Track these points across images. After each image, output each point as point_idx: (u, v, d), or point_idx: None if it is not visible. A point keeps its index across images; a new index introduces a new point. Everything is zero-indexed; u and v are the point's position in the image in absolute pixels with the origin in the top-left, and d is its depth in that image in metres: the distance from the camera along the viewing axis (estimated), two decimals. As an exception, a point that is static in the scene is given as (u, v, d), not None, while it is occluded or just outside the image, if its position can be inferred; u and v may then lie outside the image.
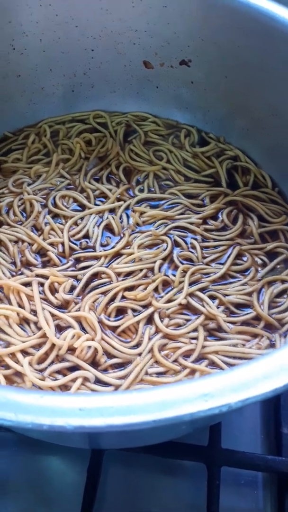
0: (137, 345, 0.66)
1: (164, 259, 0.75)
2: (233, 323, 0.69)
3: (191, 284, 0.72)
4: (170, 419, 0.32)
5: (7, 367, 0.63)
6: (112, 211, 0.82)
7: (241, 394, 0.33)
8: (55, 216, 0.81)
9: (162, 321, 0.68)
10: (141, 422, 0.32)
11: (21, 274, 0.73)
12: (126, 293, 0.70)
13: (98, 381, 0.63)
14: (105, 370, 0.64)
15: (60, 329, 0.67)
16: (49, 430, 0.32)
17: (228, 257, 0.76)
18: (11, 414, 0.33)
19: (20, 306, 0.69)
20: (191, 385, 0.35)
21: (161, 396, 0.35)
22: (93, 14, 0.85)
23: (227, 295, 0.72)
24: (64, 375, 0.63)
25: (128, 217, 0.82)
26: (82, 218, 0.81)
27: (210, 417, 0.33)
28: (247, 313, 0.70)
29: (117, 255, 0.76)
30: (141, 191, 0.86)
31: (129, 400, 0.35)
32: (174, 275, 0.73)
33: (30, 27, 0.84)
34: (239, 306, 0.71)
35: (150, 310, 0.69)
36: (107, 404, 0.35)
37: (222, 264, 0.75)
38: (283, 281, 0.73)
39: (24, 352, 0.65)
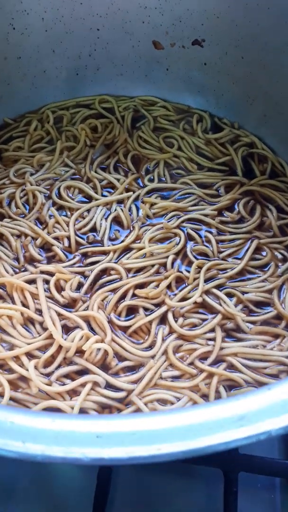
0: (150, 346, 0.62)
1: (177, 254, 0.71)
2: (253, 322, 0.64)
3: (206, 280, 0.68)
4: (200, 450, 0.28)
5: (11, 371, 0.59)
6: (120, 202, 0.77)
7: (284, 419, 0.29)
8: (60, 208, 0.76)
9: (176, 321, 0.64)
10: (168, 454, 0.28)
11: (25, 270, 0.68)
12: (137, 291, 0.66)
13: (109, 386, 0.59)
14: (116, 374, 0.60)
15: (67, 329, 0.63)
16: (62, 462, 0.28)
17: (246, 251, 0.71)
18: (18, 443, 0.28)
19: (24, 305, 0.64)
20: (223, 406, 0.31)
21: (188, 419, 0.31)
22: (100, -10, 0.79)
23: (245, 292, 0.67)
24: (73, 379, 0.59)
25: (137, 208, 0.77)
26: (88, 210, 0.76)
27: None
28: (268, 312, 0.65)
29: (127, 249, 0.72)
30: (151, 180, 0.81)
31: (152, 424, 0.30)
32: (188, 271, 0.68)
33: (32, 5, 0.78)
34: (259, 304, 0.66)
35: (163, 309, 0.65)
36: (128, 429, 0.30)
37: (240, 259, 0.71)
38: (305, 277, 0.69)
39: (29, 355, 0.60)
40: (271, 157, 0.83)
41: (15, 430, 0.30)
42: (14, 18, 0.79)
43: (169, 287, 0.67)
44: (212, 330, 0.63)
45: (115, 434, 0.30)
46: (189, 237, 0.73)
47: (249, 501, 0.70)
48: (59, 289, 0.67)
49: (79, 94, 0.92)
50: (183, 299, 0.66)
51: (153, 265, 0.69)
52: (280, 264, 0.70)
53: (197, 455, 0.28)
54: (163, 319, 0.64)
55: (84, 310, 0.65)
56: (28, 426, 0.30)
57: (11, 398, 0.57)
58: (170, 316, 0.64)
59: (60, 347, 0.60)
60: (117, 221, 0.75)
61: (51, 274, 0.67)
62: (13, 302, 0.64)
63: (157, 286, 0.67)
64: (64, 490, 0.69)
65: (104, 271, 0.69)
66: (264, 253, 0.71)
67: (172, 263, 0.69)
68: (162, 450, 0.28)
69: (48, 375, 0.59)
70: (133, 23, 0.83)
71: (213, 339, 0.62)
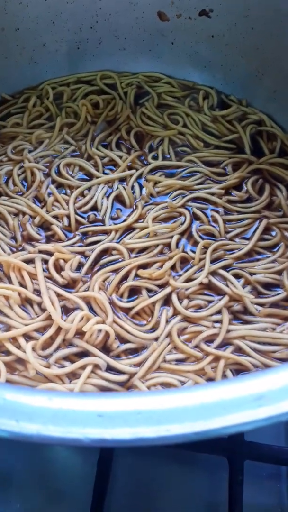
0: (153, 328, 0.59)
1: (182, 233, 0.68)
2: (261, 304, 0.61)
3: (213, 261, 0.64)
4: (215, 431, 0.25)
5: (8, 353, 0.56)
6: (122, 180, 0.74)
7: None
8: (59, 186, 0.73)
9: (181, 303, 0.61)
10: (178, 435, 0.25)
11: (23, 250, 0.65)
12: (140, 272, 0.63)
13: (110, 369, 0.56)
14: (117, 357, 0.57)
15: (67, 310, 0.60)
16: (60, 443, 0.25)
17: (255, 231, 0.68)
18: (12, 422, 0.25)
19: (22, 285, 0.61)
20: (239, 384, 0.28)
21: (200, 398, 0.28)
22: None
23: (254, 273, 0.64)
24: (72, 361, 0.56)
25: (140, 187, 0.73)
26: (89, 189, 0.72)
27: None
28: (277, 294, 0.62)
29: (129, 229, 0.68)
30: (155, 158, 0.77)
31: (160, 402, 0.28)
32: (194, 252, 0.65)
33: (31, -29, 0.75)
34: (268, 286, 0.63)
35: (167, 290, 0.62)
36: (133, 408, 0.27)
37: (248, 239, 0.67)
38: (315, 258, 0.65)
39: (27, 336, 0.58)
40: (281, 134, 0.79)
41: (8, 408, 0.27)
42: (12, -14, 0.75)
43: (173, 267, 0.64)
44: (219, 312, 0.60)
45: (118, 413, 0.27)
46: (195, 217, 0.70)
47: (254, 490, 0.67)
48: (59, 269, 0.64)
49: (80, 69, 0.88)
50: (188, 280, 0.63)
51: (156, 245, 0.66)
52: (290, 244, 0.67)
53: (211, 436, 0.25)
54: (167, 301, 0.61)
55: (85, 290, 0.62)
56: (23, 404, 0.28)
57: (7, 381, 0.54)
58: (174, 297, 0.61)
59: (59, 328, 0.57)
60: (119, 199, 0.72)
61: (50, 253, 0.64)
62: (10, 282, 0.61)
63: (161, 266, 0.64)
64: (63, 477, 0.67)
65: (106, 251, 0.66)
66: (273, 233, 0.68)
67: (177, 243, 0.66)
68: (172, 431, 0.25)
69: (46, 357, 0.56)
70: (137, -8, 0.79)
71: (220, 322, 0.59)
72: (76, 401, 0.27)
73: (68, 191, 0.72)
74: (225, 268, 0.64)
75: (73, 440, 0.25)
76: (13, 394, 0.28)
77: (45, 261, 0.64)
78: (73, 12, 0.81)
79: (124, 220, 0.69)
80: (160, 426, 0.26)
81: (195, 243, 0.67)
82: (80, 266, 0.64)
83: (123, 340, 0.58)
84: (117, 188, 0.72)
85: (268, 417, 0.25)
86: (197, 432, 0.25)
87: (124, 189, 0.72)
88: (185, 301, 0.61)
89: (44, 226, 0.69)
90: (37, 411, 0.27)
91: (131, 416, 0.26)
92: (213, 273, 0.64)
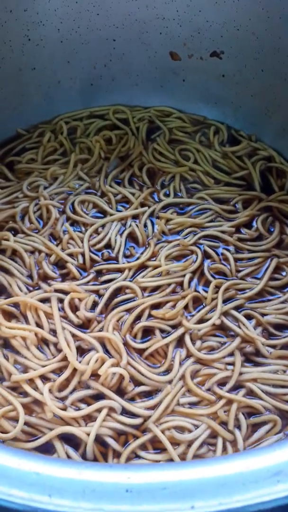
0: (167, 371, 0.60)
1: (194, 272, 0.69)
2: (273, 346, 0.63)
3: (225, 301, 0.66)
4: (236, 510, 0.26)
5: (26, 394, 0.58)
6: (135, 217, 0.76)
7: None
8: (74, 223, 0.75)
9: (194, 344, 0.62)
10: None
11: (39, 289, 0.67)
12: (154, 312, 0.64)
13: (125, 411, 0.57)
14: (132, 399, 0.58)
15: (82, 351, 0.61)
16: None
17: (265, 271, 0.69)
18: (45, 497, 0.27)
19: (38, 325, 0.63)
20: (257, 458, 0.29)
21: (221, 471, 0.29)
22: (117, 1, 0.77)
23: (265, 314, 0.65)
24: (88, 403, 0.58)
25: (153, 224, 0.75)
26: (103, 226, 0.74)
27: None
28: (288, 335, 0.64)
29: (142, 267, 0.70)
30: (167, 195, 0.79)
31: (183, 476, 0.29)
32: (206, 291, 0.67)
33: (47, 16, 0.77)
34: (279, 327, 0.65)
35: (181, 331, 0.63)
36: (159, 481, 0.28)
37: (259, 278, 0.69)
38: None
39: (44, 378, 0.59)
40: (290, 172, 0.81)
41: (41, 482, 0.28)
42: (29, 29, 0.77)
43: (186, 307, 0.65)
44: (231, 354, 0.61)
45: (145, 488, 0.28)
46: (206, 255, 0.71)
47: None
48: (74, 308, 0.65)
49: (93, 104, 0.90)
50: (201, 320, 0.64)
51: (169, 284, 0.67)
52: (300, 284, 0.69)
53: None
54: (180, 342, 0.63)
55: (99, 330, 0.63)
56: (55, 477, 0.29)
57: (25, 423, 0.55)
58: (187, 338, 0.62)
59: (75, 370, 0.59)
60: (132, 237, 0.74)
61: (65, 292, 0.66)
62: (27, 322, 0.63)
63: (174, 306, 0.65)
64: None
65: (119, 290, 0.68)
66: (283, 273, 0.70)
67: (189, 282, 0.68)
68: (196, 509, 0.26)
69: (62, 399, 0.57)
70: (150, 34, 0.81)
71: (232, 364, 0.61)
72: (104, 474, 0.29)
73: (83, 228, 0.74)
74: (237, 308, 0.66)
75: (104, 519, 0.26)
76: (46, 467, 0.29)
77: (61, 300, 0.65)
78: (88, 51, 0.83)
79: (137, 258, 0.71)
80: (185, 502, 0.27)
81: (207, 282, 0.68)
82: (94, 304, 0.66)
83: (137, 383, 0.59)
84: (130, 226, 0.74)
85: (287, 496, 0.27)
86: (220, 511, 0.26)
87: (137, 226, 0.74)
88: (198, 343, 0.62)
89: (60, 264, 0.70)
90: (68, 485, 0.28)
91: (157, 491, 0.28)
92: (225, 313, 0.65)
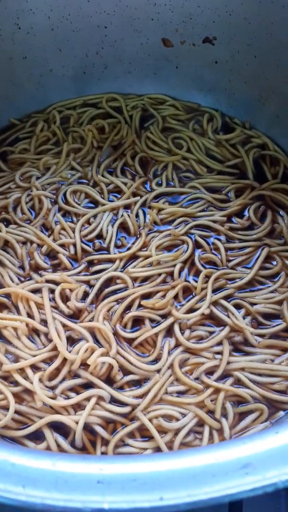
0: (156, 360, 0.61)
1: (184, 262, 0.69)
2: (261, 335, 0.63)
3: (214, 291, 0.66)
4: (204, 502, 0.27)
5: (16, 383, 0.59)
6: (127, 207, 0.76)
7: (290, 469, 0.27)
8: (66, 213, 0.75)
9: (182, 333, 0.63)
10: (171, 505, 0.27)
11: (30, 279, 0.68)
12: (144, 302, 0.65)
13: (113, 400, 0.58)
14: (121, 388, 0.59)
15: (72, 341, 0.62)
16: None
17: (256, 260, 0.69)
18: (18, 488, 0.28)
19: (29, 315, 0.64)
20: (227, 451, 0.30)
21: (191, 462, 0.30)
22: (107, -13, 0.76)
23: (254, 303, 0.65)
24: (77, 392, 0.59)
25: (145, 214, 0.75)
26: (95, 216, 0.74)
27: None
28: (277, 325, 0.64)
29: (133, 257, 0.70)
30: (159, 184, 0.79)
31: (154, 467, 0.30)
32: (196, 281, 0.67)
33: (37, 3, 0.76)
34: (268, 316, 0.65)
35: (170, 320, 0.63)
36: (129, 472, 0.29)
37: (249, 268, 0.69)
38: (316, 288, 0.67)
39: (34, 367, 0.60)
40: (284, 159, 0.80)
41: (15, 473, 0.29)
42: (19, 18, 0.76)
43: (176, 297, 0.66)
44: (220, 343, 0.62)
45: (116, 480, 0.29)
46: (197, 245, 0.71)
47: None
48: (65, 298, 0.66)
49: (86, 92, 0.90)
50: (190, 310, 0.65)
51: (159, 274, 0.68)
52: (290, 274, 0.69)
53: (201, 506, 0.27)
54: (169, 331, 0.63)
55: (90, 320, 0.64)
56: (28, 467, 0.30)
57: (15, 411, 0.57)
58: (176, 328, 0.63)
59: (65, 359, 0.59)
60: (123, 227, 0.74)
61: (57, 283, 0.66)
62: (18, 312, 0.64)
63: (164, 296, 0.65)
64: None
65: (110, 280, 0.68)
66: (274, 262, 0.70)
67: (180, 272, 0.68)
68: (165, 501, 0.27)
69: (52, 388, 0.58)
70: (142, 20, 0.80)
71: (220, 353, 0.61)
72: (77, 466, 0.30)
73: (75, 218, 0.74)
74: (227, 298, 0.66)
75: (75, 509, 0.27)
76: (20, 458, 0.30)
77: (52, 291, 0.66)
78: (79, 39, 0.82)
79: (129, 248, 0.71)
80: (154, 493, 0.28)
81: (197, 272, 0.68)
82: (85, 295, 0.66)
83: (126, 372, 0.60)
84: (122, 216, 0.74)
85: (254, 489, 0.27)
86: (188, 503, 0.27)
87: (129, 216, 0.74)
88: (187, 332, 0.63)
89: (51, 254, 0.71)
90: (41, 476, 0.29)
91: (127, 482, 0.28)
92: (215, 303, 0.65)
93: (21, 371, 0.59)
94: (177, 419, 0.56)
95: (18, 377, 0.59)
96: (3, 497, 0.27)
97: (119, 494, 0.28)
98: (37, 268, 0.69)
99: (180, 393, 0.59)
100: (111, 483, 0.29)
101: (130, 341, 0.63)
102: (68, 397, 0.58)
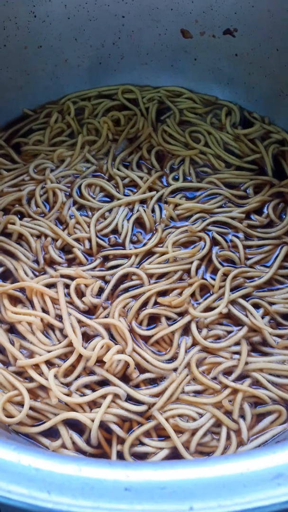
0: (172, 358, 0.60)
1: (201, 259, 0.68)
2: (280, 336, 0.62)
3: (232, 289, 0.65)
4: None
5: (31, 379, 0.58)
6: (143, 202, 0.74)
7: None
8: (81, 207, 0.74)
9: (200, 332, 0.61)
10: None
11: (45, 273, 0.67)
12: (160, 299, 0.63)
13: (129, 398, 0.57)
14: (137, 386, 0.58)
15: (87, 337, 0.61)
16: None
17: (275, 259, 0.68)
18: (44, 494, 0.27)
19: (44, 310, 0.63)
20: (258, 459, 0.29)
21: (221, 471, 0.29)
22: (126, -25, 0.74)
23: (273, 303, 0.64)
24: (93, 389, 0.58)
25: (161, 209, 0.74)
26: (110, 211, 0.73)
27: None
28: (296, 325, 0.63)
29: (149, 253, 0.69)
30: (176, 179, 0.77)
31: (183, 475, 0.29)
32: (214, 279, 0.66)
33: (54, -9, 0.74)
34: (287, 316, 0.64)
35: (187, 319, 0.62)
36: (158, 480, 0.28)
37: (268, 267, 0.68)
38: None
39: (49, 363, 0.59)
40: (304, 156, 0.79)
41: (41, 479, 0.28)
42: (35, 6, 0.75)
43: (193, 295, 0.65)
44: (238, 343, 0.61)
45: (144, 488, 0.28)
46: (215, 242, 0.70)
47: None
48: (80, 294, 0.65)
49: (101, 83, 0.88)
50: (208, 308, 0.63)
51: (176, 271, 0.67)
52: (310, 273, 0.67)
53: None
54: (186, 330, 0.62)
55: (105, 316, 0.63)
56: (55, 473, 0.29)
57: (30, 408, 0.56)
58: (193, 326, 0.62)
59: (80, 356, 0.59)
60: (139, 222, 0.73)
61: (72, 277, 0.65)
62: (33, 307, 0.63)
63: (180, 293, 0.64)
64: None
65: (126, 276, 0.67)
66: (293, 261, 0.68)
67: (197, 270, 0.67)
68: (195, 511, 0.26)
69: (68, 384, 0.58)
70: (160, 10, 0.78)
71: (238, 353, 0.60)
72: (103, 471, 0.29)
73: (90, 212, 0.73)
74: (245, 297, 0.65)
75: (102, 518, 0.26)
76: (45, 463, 0.29)
77: (67, 286, 0.65)
78: (96, 29, 0.80)
79: (144, 244, 0.70)
80: (184, 502, 0.27)
81: (215, 270, 0.67)
82: (100, 290, 0.65)
83: (143, 370, 0.59)
84: (138, 211, 0.73)
85: (287, 501, 0.26)
86: (220, 515, 0.26)
87: (145, 212, 0.72)
88: (204, 331, 0.62)
89: (66, 249, 0.70)
90: (67, 482, 0.28)
91: (156, 491, 0.28)
92: (233, 302, 0.64)
93: (36, 367, 0.59)
94: (194, 419, 0.55)
95: (32, 373, 0.58)
96: (28, 503, 0.26)
97: (147, 503, 0.27)
98: (51, 263, 0.68)
99: (197, 393, 0.58)
100: (139, 490, 0.28)
101: (146, 338, 0.62)
102: (83, 394, 0.57)
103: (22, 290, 0.64)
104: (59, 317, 0.62)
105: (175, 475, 0.29)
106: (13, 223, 0.70)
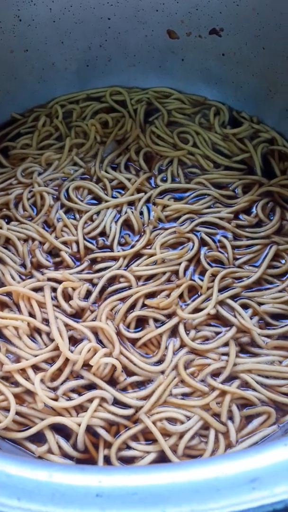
0: (160, 361, 0.59)
1: (190, 260, 0.67)
2: (269, 336, 0.61)
3: (221, 290, 0.64)
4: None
5: (17, 384, 0.58)
6: (131, 204, 0.74)
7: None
8: (68, 210, 0.73)
9: (188, 334, 0.61)
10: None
11: (32, 277, 0.66)
12: (148, 301, 0.63)
13: (116, 402, 0.57)
14: (124, 389, 0.58)
15: (74, 341, 0.61)
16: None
17: (264, 258, 0.67)
18: (13, 501, 0.26)
19: (31, 314, 0.62)
20: (234, 463, 0.28)
21: (195, 475, 0.28)
22: (110, -24, 0.74)
23: (262, 303, 0.63)
24: (80, 393, 0.57)
25: (149, 211, 0.73)
26: (98, 213, 0.72)
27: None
28: (285, 325, 0.62)
29: (137, 255, 0.68)
30: (164, 180, 0.77)
31: (156, 480, 0.28)
32: (202, 280, 0.65)
33: (38, -6, 0.74)
34: (276, 316, 0.63)
35: (175, 320, 0.62)
36: (130, 486, 0.28)
37: (257, 267, 0.67)
38: None
39: (36, 368, 0.59)
40: (293, 155, 0.78)
41: (11, 485, 0.27)
42: (20, 9, 0.75)
43: (181, 296, 0.64)
44: (226, 344, 0.60)
45: (116, 493, 0.27)
46: (203, 242, 0.69)
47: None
48: (67, 297, 0.64)
49: (89, 86, 0.88)
50: (196, 310, 0.63)
51: (164, 273, 0.66)
52: (300, 273, 0.66)
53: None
54: (174, 331, 0.62)
55: (92, 320, 0.62)
56: (25, 478, 0.28)
57: (16, 413, 0.55)
58: (181, 328, 0.61)
59: (67, 359, 0.58)
60: (127, 224, 0.72)
61: (59, 281, 0.65)
62: (20, 311, 0.62)
63: (168, 295, 0.64)
64: None
65: (114, 278, 0.66)
66: (283, 261, 0.68)
67: (185, 271, 0.66)
68: (166, 516, 0.25)
69: (54, 389, 0.57)
70: (146, 11, 0.78)
71: (227, 354, 0.59)
72: (75, 478, 0.28)
73: (77, 215, 0.73)
74: (233, 297, 0.64)
75: (71, 526, 0.26)
76: (16, 468, 0.28)
77: (54, 289, 0.64)
78: (82, 31, 0.80)
79: (133, 246, 0.69)
80: (156, 508, 0.26)
81: (203, 270, 0.66)
82: (88, 293, 0.65)
83: (130, 373, 0.58)
84: (126, 213, 0.72)
85: (261, 506, 0.25)
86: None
87: (133, 213, 0.72)
88: (192, 332, 0.61)
89: (53, 252, 0.69)
90: (38, 488, 0.27)
91: (128, 496, 0.27)
92: (221, 302, 0.63)
93: (22, 371, 0.58)
94: (182, 422, 0.55)
95: (19, 378, 0.57)
96: (-3, 510, 0.26)
97: (119, 509, 0.26)
98: (38, 266, 0.67)
99: (185, 395, 0.57)
100: (110, 496, 0.27)
101: (133, 341, 0.61)
102: (70, 399, 0.57)
103: (8, 294, 0.64)
104: (46, 321, 0.62)
105: (148, 480, 0.28)
106: (0, 227, 0.70)
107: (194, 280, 0.65)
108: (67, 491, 0.27)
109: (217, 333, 0.61)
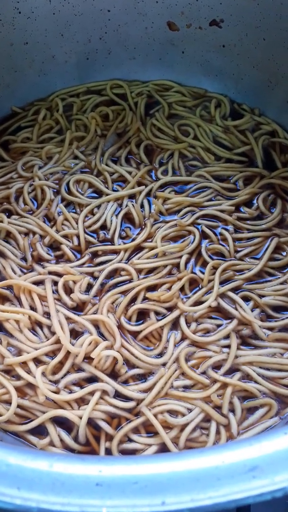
0: (161, 353, 0.59)
1: (191, 253, 0.67)
2: (270, 329, 0.61)
3: (222, 283, 0.64)
4: (209, 507, 0.25)
5: (18, 377, 0.58)
6: (132, 197, 0.74)
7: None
8: (69, 203, 0.73)
9: (189, 326, 0.61)
10: (173, 511, 0.25)
11: (32, 271, 0.66)
12: (149, 294, 0.63)
13: (118, 395, 0.57)
14: (125, 382, 0.58)
15: (76, 334, 0.61)
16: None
17: (265, 251, 0.67)
18: (13, 490, 0.26)
19: (32, 308, 0.62)
20: (234, 452, 0.28)
21: (195, 464, 0.28)
22: None
23: (263, 296, 0.63)
24: (81, 386, 0.57)
25: (150, 204, 0.73)
26: (98, 206, 0.72)
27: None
28: (286, 317, 0.62)
29: (138, 248, 0.68)
30: (165, 173, 0.76)
31: (156, 469, 0.28)
32: (203, 273, 0.65)
33: (38, -14, 0.74)
34: (277, 309, 0.63)
35: (176, 313, 0.62)
36: (130, 475, 0.28)
37: (258, 259, 0.67)
38: None
39: (37, 360, 0.59)
40: (294, 147, 0.78)
41: (11, 474, 0.27)
42: (19, 2, 0.74)
43: (182, 289, 0.64)
44: (227, 336, 0.60)
45: (116, 482, 0.27)
46: (204, 235, 0.69)
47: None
48: (68, 290, 0.64)
49: (89, 79, 0.87)
50: (197, 302, 0.63)
51: (165, 266, 0.66)
52: (301, 265, 0.66)
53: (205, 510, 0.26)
54: (175, 324, 0.62)
55: (93, 313, 0.62)
56: (25, 467, 0.28)
57: (18, 406, 0.56)
58: (182, 321, 0.61)
59: (68, 352, 0.58)
60: (128, 217, 0.72)
61: (60, 274, 0.65)
62: (21, 304, 0.62)
63: (170, 288, 0.64)
64: None
65: (114, 272, 0.66)
66: (284, 253, 0.67)
67: (186, 264, 0.66)
68: (167, 506, 0.25)
69: (56, 382, 0.57)
70: (146, 3, 0.77)
71: (228, 346, 0.59)
72: (75, 467, 0.28)
73: (78, 209, 0.72)
74: (234, 290, 0.64)
75: (71, 514, 0.26)
76: (17, 459, 0.28)
77: (55, 283, 0.64)
78: (82, 24, 0.80)
79: (133, 239, 0.69)
80: (156, 496, 0.26)
81: (204, 263, 0.66)
82: (89, 286, 0.65)
83: (131, 365, 0.58)
84: (126, 206, 0.72)
85: (261, 494, 0.25)
86: (192, 509, 0.25)
87: (134, 207, 0.72)
88: (194, 325, 0.61)
89: (54, 245, 0.69)
90: (38, 478, 0.27)
91: (128, 485, 0.27)
92: (222, 295, 0.63)
93: (24, 364, 0.58)
94: (183, 415, 0.55)
95: (20, 371, 0.57)
96: (-2, 500, 0.26)
97: (119, 498, 0.26)
98: (39, 260, 0.67)
99: (186, 388, 0.57)
100: (110, 486, 0.27)
101: (135, 334, 0.61)
102: (71, 391, 0.57)
103: (9, 288, 0.64)
104: (47, 314, 0.62)
105: (148, 469, 0.28)
106: (1, 221, 0.70)
107: (195, 273, 0.65)
108: (67, 480, 0.27)
109: (218, 326, 0.61)
